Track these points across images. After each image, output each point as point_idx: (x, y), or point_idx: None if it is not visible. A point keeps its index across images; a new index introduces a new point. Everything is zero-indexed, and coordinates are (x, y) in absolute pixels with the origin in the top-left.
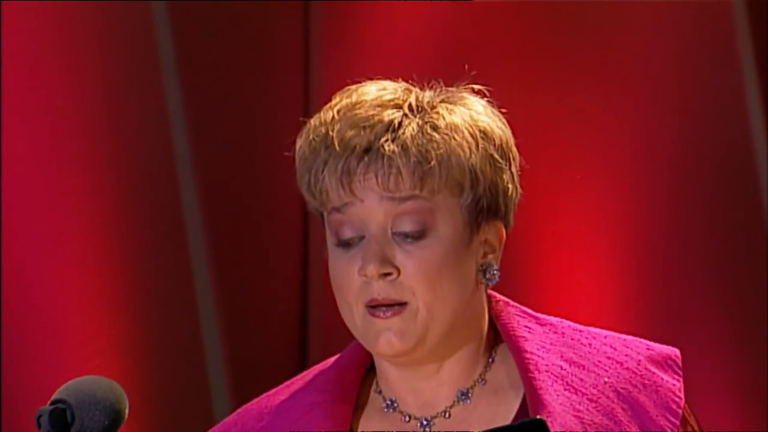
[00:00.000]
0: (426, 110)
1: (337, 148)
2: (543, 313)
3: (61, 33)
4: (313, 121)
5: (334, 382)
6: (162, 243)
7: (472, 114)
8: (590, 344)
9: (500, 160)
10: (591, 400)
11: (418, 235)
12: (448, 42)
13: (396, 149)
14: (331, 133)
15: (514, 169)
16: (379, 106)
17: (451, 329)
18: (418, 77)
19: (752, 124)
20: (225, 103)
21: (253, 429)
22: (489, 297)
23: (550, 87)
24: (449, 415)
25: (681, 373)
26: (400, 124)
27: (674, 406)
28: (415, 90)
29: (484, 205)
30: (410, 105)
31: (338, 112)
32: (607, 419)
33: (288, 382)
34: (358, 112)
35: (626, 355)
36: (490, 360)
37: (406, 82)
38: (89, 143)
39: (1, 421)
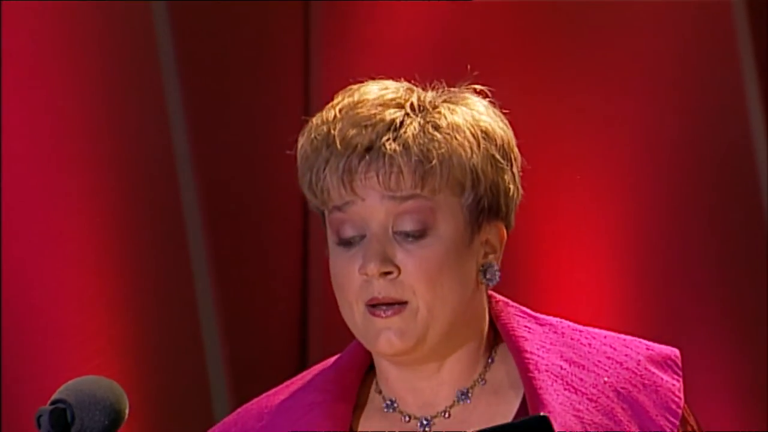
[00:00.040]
0: (428, 110)
1: (339, 146)
2: (543, 313)
3: (61, 33)
4: (315, 120)
5: (334, 381)
6: (162, 243)
7: (474, 114)
8: (590, 344)
9: (501, 161)
10: (591, 400)
11: (419, 235)
12: (447, 42)
13: (397, 148)
14: (332, 131)
15: (515, 170)
16: (381, 105)
17: (452, 329)
18: (418, 77)
19: (752, 124)
20: (225, 103)
21: (253, 429)
22: (489, 297)
23: (549, 87)
24: (449, 415)
25: (681, 373)
26: (401, 123)
27: (674, 406)
28: (417, 90)
29: (485, 205)
30: (412, 104)
31: (340, 111)
32: (606, 419)
33: (288, 382)
34: (359, 111)
35: (626, 355)
36: (490, 360)
37: (408, 81)
38: (89, 143)
39: (1, 421)
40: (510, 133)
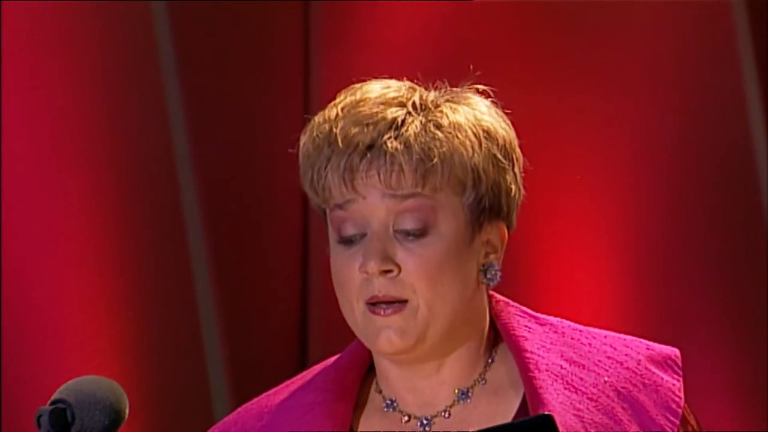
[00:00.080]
0: (429, 109)
1: (340, 144)
2: (543, 313)
3: (61, 33)
4: (317, 119)
5: (335, 381)
6: (162, 243)
7: (475, 114)
8: (590, 344)
9: (503, 160)
10: (591, 399)
11: (420, 233)
12: (447, 42)
13: (399, 147)
14: (334, 130)
15: (517, 170)
16: (382, 103)
17: (452, 328)
18: (421, 76)
19: (752, 124)
20: (225, 103)
21: (253, 428)
22: (489, 297)
23: (549, 87)
24: (449, 415)
25: (681, 372)
26: (403, 121)
27: (674, 406)
28: (420, 89)
29: (486, 205)
30: (414, 103)
31: (342, 109)
32: (607, 418)
33: (288, 382)
34: (361, 109)
35: (626, 355)
36: (490, 359)
37: (411, 81)
38: (89, 143)
39: (1, 421)
40: (512, 134)
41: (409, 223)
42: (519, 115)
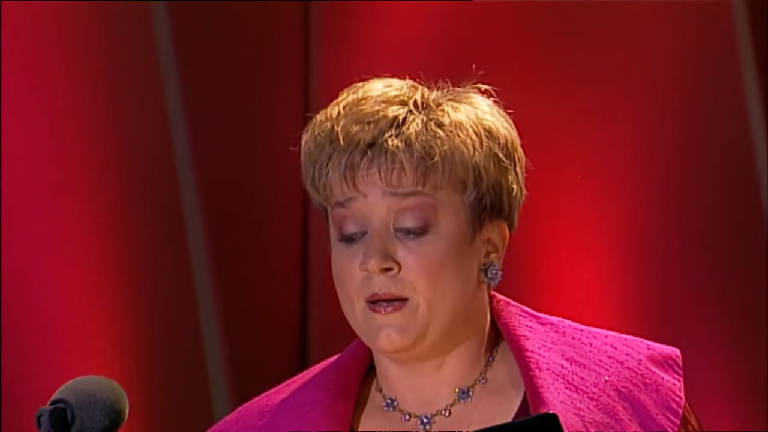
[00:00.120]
0: (431, 107)
1: (342, 142)
2: (543, 313)
3: (61, 33)
4: (319, 117)
5: (335, 380)
6: (162, 243)
7: (477, 113)
8: (591, 343)
9: (505, 160)
10: (592, 399)
11: (420, 231)
12: (447, 42)
13: (399, 145)
14: (336, 128)
15: (519, 170)
16: (384, 102)
17: (452, 326)
18: (423, 76)
19: (752, 124)
20: (225, 103)
21: (254, 427)
22: (490, 297)
23: (549, 87)
24: (449, 414)
25: (681, 372)
26: (404, 120)
27: (675, 406)
28: (421, 88)
29: (488, 204)
30: (415, 102)
31: (344, 107)
32: (607, 417)
33: (289, 381)
34: (363, 107)
35: (627, 355)
36: (491, 359)
37: (413, 80)
38: (89, 143)
39: (1, 421)
40: (514, 133)
41: (409, 222)
42: (519, 115)
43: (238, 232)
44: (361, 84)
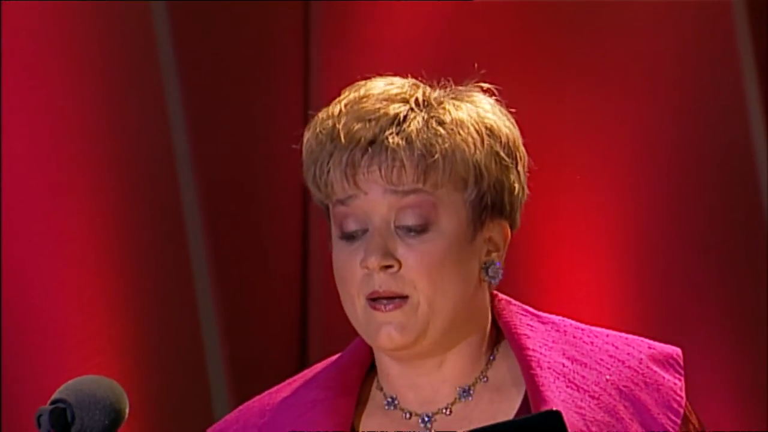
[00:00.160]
0: (432, 105)
1: (343, 140)
2: (543, 312)
3: (61, 33)
4: (321, 115)
5: (336, 379)
6: (162, 243)
7: (479, 111)
8: (592, 342)
9: (506, 158)
10: (593, 398)
11: (421, 229)
12: (447, 42)
13: (400, 142)
14: (337, 126)
15: (521, 169)
16: (385, 99)
17: (452, 325)
18: (421, 76)
19: (752, 124)
20: (225, 103)
21: (255, 425)
22: (492, 296)
23: (549, 87)
24: (450, 412)
25: (682, 372)
26: (405, 117)
27: (675, 405)
28: (423, 86)
29: (489, 202)
30: (417, 100)
31: (345, 105)
32: (608, 416)
33: (290, 380)
34: (364, 105)
35: (628, 354)
36: (492, 357)
37: (416, 78)
38: (89, 143)
39: (1, 421)
40: (516, 132)
41: (410, 219)
42: (519, 115)
43: (238, 232)
44: (363, 82)
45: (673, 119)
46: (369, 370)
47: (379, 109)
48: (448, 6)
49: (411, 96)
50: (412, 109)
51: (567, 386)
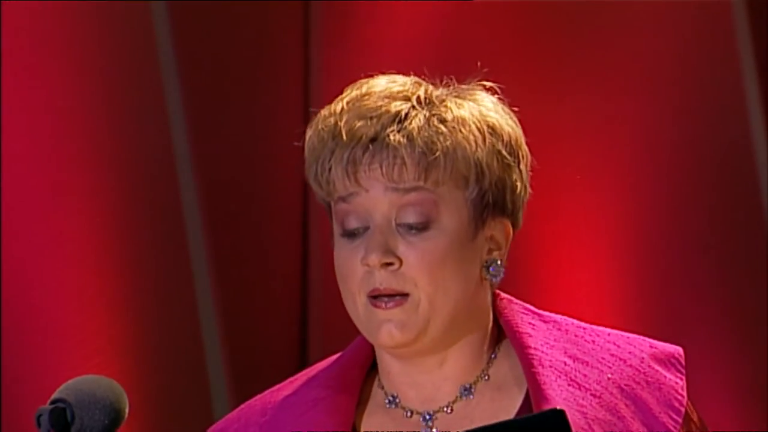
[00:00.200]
0: (434, 103)
1: (344, 137)
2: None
3: (61, 33)
4: (323, 112)
5: (337, 377)
6: (162, 243)
7: (481, 109)
8: (594, 341)
9: (508, 157)
10: (594, 396)
11: (422, 227)
12: (448, 42)
13: (401, 140)
14: (339, 123)
15: (523, 168)
16: (387, 97)
17: (453, 322)
18: (424, 75)
19: (752, 124)
20: (225, 103)
21: (257, 424)
22: (494, 294)
23: (549, 87)
24: (452, 410)
25: (684, 371)
26: (406, 115)
27: (677, 404)
28: (426, 84)
29: (490, 201)
30: (419, 97)
31: (347, 103)
32: (610, 415)
33: (291, 379)
34: (366, 103)
35: (630, 353)
36: (493, 356)
37: (418, 77)
38: (89, 143)
39: (1, 420)
40: (519, 131)
41: (411, 217)
42: (519, 114)
43: (238, 232)
44: (365, 80)
45: (673, 119)
46: (370, 368)
47: (380, 106)
48: (448, 6)
49: (413, 94)
50: (413, 106)
51: (569, 385)
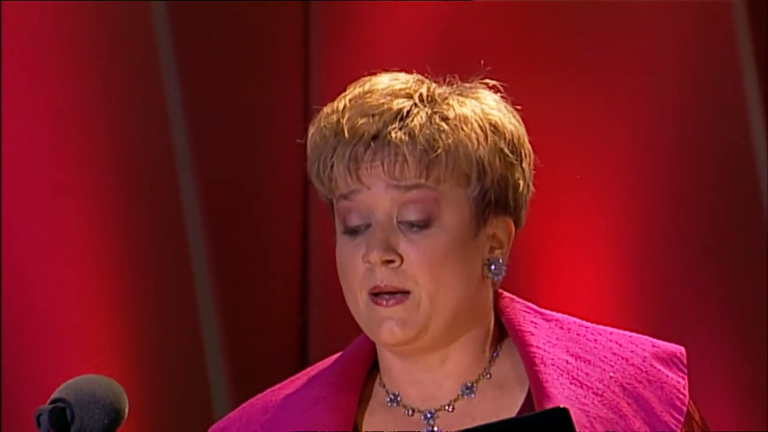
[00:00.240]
0: (436, 101)
1: (346, 135)
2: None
3: (61, 33)
4: (326, 109)
5: (339, 376)
6: (162, 243)
7: (483, 108)
8: (596, 340)
9: (510, 155)
10: (596, 394)
11: (423, 225)
12: (448, 42)
13: (403, 137)
14: (341, 120)
15: (526, 166)
16: (389, 95)
17: (454, 321)
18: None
19: (752, 124)
20: (225, 103)
21: (258, 422)
22: (496, 293)
23: (549, 87)
24: (453, 409)
25: (686, 370)
26: (408, 112)
27: (678, 403)
28: (428, 82)
29: (492, 199)
30: (421, 95)
31: (350, 100)
32: (612, 413)
33: (293, 378)
34: (368, 100)
35: (632, 352)
36: (495, 354)
37: (421, 75)
38: (89, 143)
39: (1, 420)
40: (522, 130)
41: (412, 215)
42: (519, 114)
43: (238, 232)
44: (368, 77)
45: (673, 119)
46: (372, 367)
47: (382, 104)
48: (448, 6)
49: (415, 91)
50: (415, 104)
51: (570, 383)
